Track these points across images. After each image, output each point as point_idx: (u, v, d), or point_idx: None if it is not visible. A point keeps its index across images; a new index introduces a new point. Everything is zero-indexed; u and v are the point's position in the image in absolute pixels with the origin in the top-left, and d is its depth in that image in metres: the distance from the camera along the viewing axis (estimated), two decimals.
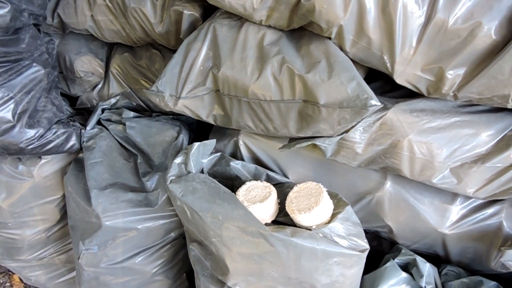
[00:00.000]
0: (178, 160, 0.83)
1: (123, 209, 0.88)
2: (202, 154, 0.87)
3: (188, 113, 0.87)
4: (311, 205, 0.72)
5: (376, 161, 0.78)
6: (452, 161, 0.73)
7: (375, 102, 0.67)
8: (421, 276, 0.79)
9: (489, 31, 0.65)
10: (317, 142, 0.76)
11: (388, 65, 0.72)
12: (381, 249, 0.97)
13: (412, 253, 0.84)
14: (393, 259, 0.83)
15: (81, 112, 1.17)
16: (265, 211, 0.77)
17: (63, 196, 1.07)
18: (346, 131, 0.74)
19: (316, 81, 0.70)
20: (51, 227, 1.11)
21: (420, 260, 0.81)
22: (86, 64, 1.09)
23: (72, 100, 1.19)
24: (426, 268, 0.80)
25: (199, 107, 0.86)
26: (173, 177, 0.82)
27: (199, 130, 1.12)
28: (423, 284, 0.79)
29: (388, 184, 0.82)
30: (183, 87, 0.84)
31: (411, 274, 0.81)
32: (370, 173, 0.83)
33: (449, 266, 0.84)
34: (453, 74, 0.69)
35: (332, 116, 0.70)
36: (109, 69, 1.12)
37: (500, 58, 0.65)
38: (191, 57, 0.83)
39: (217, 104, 0.85)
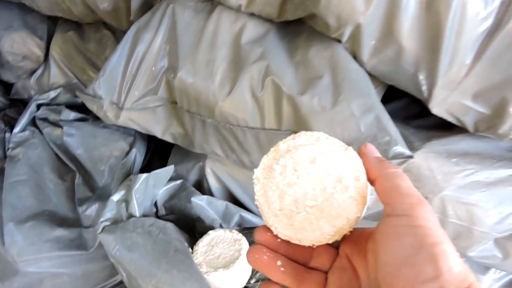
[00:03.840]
0: (117, 196, 0.60)
1: (47, 252, 0.66)
2: (155, 185, 0.64)
3: (136, 128, 0.64)
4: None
5: None
6: (500, 231, 0.51)
7: (402, 149, 0.44)
8: None
9: None
10: None
11: (424, 88, 0.48)
12: None
13: None
14: None
15: (16, 104, 0.93)
16: (231, 279, 0.55)
17: None
18: None
19: (313, 108, 0.46)
20: None
21: None
22: (18, 44, 0.84)
23: (9, 86, 0.94)
24: None
25: (151, 122, 0.62)
26: (107, 223, 0.59)
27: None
28: None
29: None
30: (127, 94, 0.59)
31: None
32: None
33: None
34: None
35: None
36: (49, 51, 0.87)
37: None
38: (140, 52, 0.58)
39: (176, 120, 0.61)
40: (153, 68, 0.58)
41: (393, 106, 0.56)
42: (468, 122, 0.50)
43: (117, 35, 0.81)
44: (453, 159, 0.51)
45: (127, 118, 0.61)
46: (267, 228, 0.29)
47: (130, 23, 0.71)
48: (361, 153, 0.29)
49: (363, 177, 0.28)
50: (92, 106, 0.63)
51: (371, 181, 0.28)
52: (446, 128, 0.55)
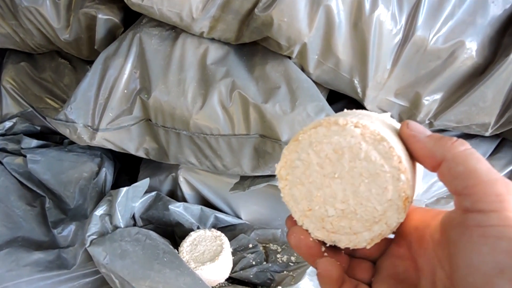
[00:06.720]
0: (100, 211, 0.64)
1: (27, 276, 0.67)
2: (132, 197, 0.69)
3: (110, 147, 0.68)
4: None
5: None
6: (429, 197, 0.65)
7: None
8: None
9: (471, 52, 0.56)
10: (277, 183, 0.63)
11: (359, 90, 0.60)
12: None
13: None
14: None
15: None
16: (218, 271, 0.62)
17: None
18: None
19: (276, 113, 0.56)
20: None
21: None
22: None
23: None
24: None
25: (125, 139, 0.67)
26: (94, 236, 0.63)
27: (126, 156, 0.92)
28: None
29: None
30: (101, 116, 0.64)
31: None
32: None
33: None
34: (430, 100, 0.60)
35: None
36: (0, 82, 0.87)
37: (482, 83, 0.57)
38: (111, 77, 0.63)
39: (149, 136, 0.67)
40: (125, 91, 0.64)
41: (334, 108, 0.68)
42: (394, 114, 0.63)
43: (74, 62, 0.85)
44: None
45: (102, 138, 0.66)
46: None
47: (91, 52, 0.77)
48: (406, 136, 0.24)
49: (405, 176, 0.23)
50: (64, 131, 0.67)
51: (433, 168, 0.22)
52: None
